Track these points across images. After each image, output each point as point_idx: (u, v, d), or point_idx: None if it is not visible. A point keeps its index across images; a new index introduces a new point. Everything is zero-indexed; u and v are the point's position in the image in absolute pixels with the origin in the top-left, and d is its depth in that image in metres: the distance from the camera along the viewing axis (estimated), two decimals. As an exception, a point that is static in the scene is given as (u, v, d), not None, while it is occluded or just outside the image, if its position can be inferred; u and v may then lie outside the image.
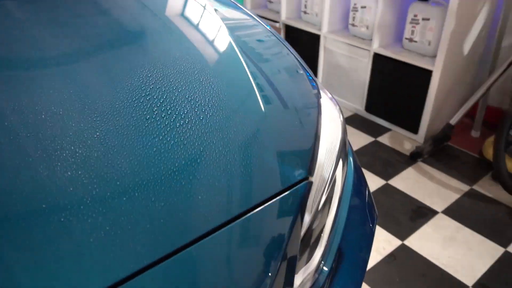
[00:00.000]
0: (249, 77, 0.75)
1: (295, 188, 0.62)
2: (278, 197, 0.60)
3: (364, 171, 2.03)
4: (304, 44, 2.72)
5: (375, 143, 2.28)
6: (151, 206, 0.48)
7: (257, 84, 0.75)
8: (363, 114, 2.52)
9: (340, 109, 0.92)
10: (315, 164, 0.71)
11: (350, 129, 2.40)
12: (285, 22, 2.80)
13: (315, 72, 2.71)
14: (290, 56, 0.93)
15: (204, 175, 0.54)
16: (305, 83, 0.87)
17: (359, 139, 2.30)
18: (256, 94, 0.72)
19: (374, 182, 1.97)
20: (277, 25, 2.85)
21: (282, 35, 2.85)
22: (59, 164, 0.48)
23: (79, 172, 0.48)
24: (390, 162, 2.11)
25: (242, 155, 0.61)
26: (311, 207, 0.66)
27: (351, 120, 2.50)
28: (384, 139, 2.31)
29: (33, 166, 0.47)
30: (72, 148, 0.50)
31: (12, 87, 0.56)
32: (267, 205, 0.58)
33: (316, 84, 0.90)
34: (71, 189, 0.46)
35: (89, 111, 0.56)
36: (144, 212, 0.48)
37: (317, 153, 0.74)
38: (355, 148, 2.23)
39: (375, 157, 2.15)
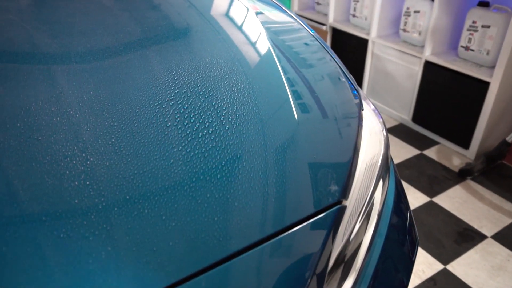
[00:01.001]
0: (284, 85, 0.69)
1: (326, 212, 0.56)
2: (306, 222, 0.54)
3: (407, 186, 1.91)
4: (351, 48, 2.61)
5: (421, 156, 2.14)
6: (163, 224, 0.44)
7: (293, 92, 0.69)
8: (409, 124, 2.39)
9: (383, 122, 0.84)
10: (351, 183, 0.64)
11: (394, 140, 2.28)
12: (332, 25, 2.71)
13: (361, 78, 2.60)
14: (331, 63, 0.86)
15: (224, 192, 0.49)
16: (346, 92, 0.80)
17: (403, 151, 2.18)
18: (290, 103, 0.66)
19: (417, 198, 1.85)
20: (324, 28, 2.76)
21: (329, 38, 2.76)
22: (67, 172, 0.44)
23: (87, 183, 0.44)
24: (436, 178, 1.97)
25: (270, 171, 0.55)
26: (343, 234, 0.60)
27: (396, 130, 2.37)
28: (430, 152, 2.17)
29: (38, 173, 0.43)
30: (84, 155, 0.46)
31: (30, 84, 0.53)
32: (294, 231, 0.52)
33: (359, 94, 0.82)
34: (76, 201, 0.42)
35: (107, 115, 0.52)
36: (158, 232, 0.43)
37: (355, 170, 0.68)
38: (398, 160, 2.11)
39: (419, 172, 2.02)
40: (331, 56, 0.89)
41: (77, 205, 0.42)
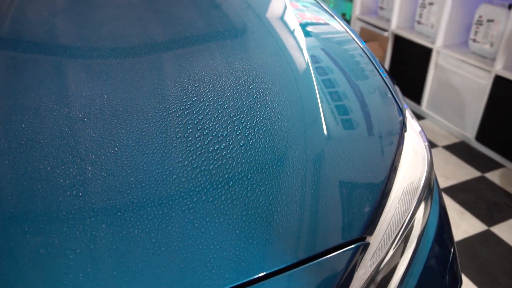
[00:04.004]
0: (316, 98, 0.63)
1: (346, 249, 0.49)
2: (323, 257, 0.48)
3: (462, 210, 1.75)
4: (413, 57, 2.46)
5: (482, 179, 1.96)
6: (151, 247, 0.40)
7: (328, 107, 0.63)
8: (471, 143, 2.20)
9: (429, 145, 0.75)
10: (380, 216, 0.57)
11: (453, 159, 2.10)
12: (394, 32, 2.56)
13: (421, 89, 2.43)
14: (377, 78, 0.78)
15: (225, 217, 0.45)
16: (388, 111, 0.72)
17: (462, 172, 2.00)
18: (320, 119, 0.61)
19: (472, 226, 1.68)
20: (385, 34, 2.63)
21: (390, 45, 2.62)
22: (61, 180, 0.42)
23: (79, 194, 0.41)
24: (497, 205, 1.79)
25: (285, 196, 0.49)
26: (365, 268, 0.53)
27: (456, 148, 2.19)
28: (493, 176, 1.97)
29: (30, 179, 0.42)
30: (82, 164, 0.44)
31: (45, 82, 0.53)
32: (309, 265, 0.47)
33: (403, 112, 0.74)
34: (63, 213, 0.40)
35: (117, 120, 0.50)
36: (147, 257, 0.40)
37: (387, 198, 0.60)
38: (455, 181, 1.94)
39: (478, 196, 1.84)
40: (378, 70, 0.82)
41: (63, 218, 0.39)
